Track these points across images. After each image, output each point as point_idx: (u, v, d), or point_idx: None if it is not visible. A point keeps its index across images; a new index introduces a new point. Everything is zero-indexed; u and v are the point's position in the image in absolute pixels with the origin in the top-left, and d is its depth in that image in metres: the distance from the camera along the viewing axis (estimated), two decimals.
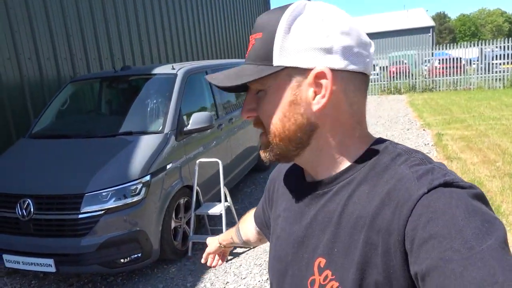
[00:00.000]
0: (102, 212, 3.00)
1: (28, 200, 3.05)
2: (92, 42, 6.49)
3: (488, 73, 16.16)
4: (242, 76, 0.66)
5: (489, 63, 16.24)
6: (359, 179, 0.65)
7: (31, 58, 5.34)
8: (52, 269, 3.01)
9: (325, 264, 0.64)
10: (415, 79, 17.07)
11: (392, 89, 17.14)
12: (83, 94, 4.27)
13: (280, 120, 0.66)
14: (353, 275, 0.59)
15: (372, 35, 35.01)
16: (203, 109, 4.37)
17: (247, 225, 1.14)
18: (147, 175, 3.20)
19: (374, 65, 18.09)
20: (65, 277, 3.40)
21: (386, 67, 18.00)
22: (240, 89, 0.70)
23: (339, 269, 0.62)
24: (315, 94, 0.64)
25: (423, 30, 34.64)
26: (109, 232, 3.01)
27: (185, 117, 3.87)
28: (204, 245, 3.76)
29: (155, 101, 3.87)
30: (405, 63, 17.68)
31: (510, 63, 15.89)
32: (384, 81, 17.53)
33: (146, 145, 3.37)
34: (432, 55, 17.75)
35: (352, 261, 0.60)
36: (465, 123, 8.84)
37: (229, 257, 3.56)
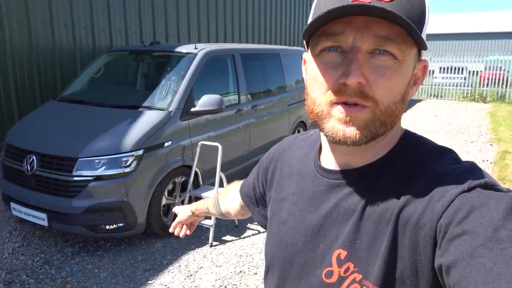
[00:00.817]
0: (91, 178, 3.14)
1: (33, 156, 3.30)
2: (138, 17, 6.73)
3: None
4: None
5: None
6: (388, 172, 0.62)
7: (86, 27, 5.73)
8: (45, 223, 3.25)
9: (345, 256, 0.62)
10: (506, 87, 15.21)
11: (476, 96, 15.48)
12: (112, 65, 4.49)
13: (402, 100, 0.60)
14: (378, 268, 0.58)
15: (464, 35, 31.81)
16: (222, 92, 4.32)
17: (230, 198, 1.09)
18: (140, 149, 3.27)
19: (462, 68, 16.54)
20: (63, 234, 3.65)
21: (478, 71, 16.26)
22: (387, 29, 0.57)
23: (363, 261, 0.60)
24: (413, 83, 0.63)
25: None
26: (95, 198, 3.15)
27: (197, 99, 3.87)
28: (197, 226, 3.81)
29: (169, 79, 3.92)
30: (503, 70, 15.82)
31: None
32: (469, 86, 15.89)
33: (146, 120, 3.44)
34: None
35: (377, 254, 0.58)
36: None
37: (215, 243, 3.54)
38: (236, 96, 4.50)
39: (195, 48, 4.10)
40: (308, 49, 0.65)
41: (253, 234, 3.74)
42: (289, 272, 0.70)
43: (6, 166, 3.56)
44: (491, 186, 0.55)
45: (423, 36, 0.58)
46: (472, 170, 0.58)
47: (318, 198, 0.69)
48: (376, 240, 0.59)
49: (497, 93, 15.27)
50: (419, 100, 15.21)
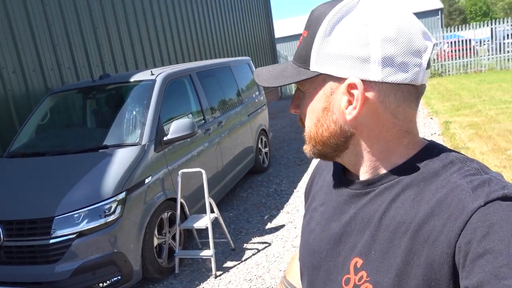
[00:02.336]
0: (74, 235, 2.81)
1: None
2: (69, 51, 6.31)
3: (500, 54, 15.55)
4: (281, 77, 0.67)
5: (500, 43, 15.65)
6: (405, 182, 0.62)
7: (15, 71, 5.19)
8: None
9: (361, 265, 0.63)
10: None
11: None
12: (59, 107, 4.09)
13: (314, 125, 0.67)
14: (390, 280, 0.58)
15: None
16: (187, 115, 4.14)
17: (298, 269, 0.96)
18: (122, 192, 2.99)
19: None
20: None
21: None
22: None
23: (374, 272, 0.61)
24: (349, 103, 0.62)
25: (432, 13, 33.67)
26: (83, 257, 2.82)
27: (166, 126, 3.66)
28: (193, 260, 3.58)
29: (132, 111, 3.65)
30: None
31: None
32: None
33: (121, 159, 3.16)
34: (443, 38, 17.18)
35: (389, 266, 0.58)
36: (474, 108, 8.43)
37: (218, 273, 3.35)
38: (201, 116, 4.34)
39: (152, 74, 3.88)
40: None
41: (253, 254, 3.60)
42: (317, 279, 0.73)
43: None
44: (511, 197, 0.52)
45: (317, 63, 0.63)
46: (491, 181, 0.55)
47: (341, 208, 0.71)
48: (389, 252, 0.59)
49: None
50: None
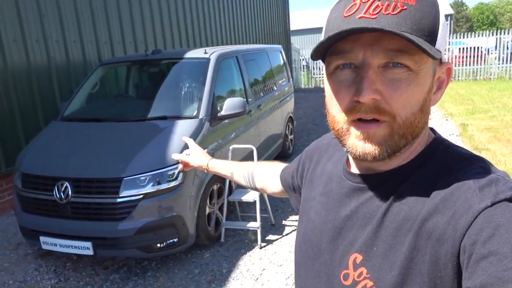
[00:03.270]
0: (141, 196, 2.98)
1: (66, 183, 3.04)
2: (117, 26, 6.43)
3: (509, 63, 15.78)
4: (417, 37, 0.54)
5: (510, 53, 15.86)
6: (410, 179, 0.61)
7: (58, 41, 5.30)
8: (90, 252, 3.01)
9: (361, 261, 0.62)
10: None
11: None
12: (112, 77, 4.24)
13: (421, 110, 0.59)
14: (393, 278, 0.57)
15: None
16: (233, 94, 4.30)
17: (270, 178, 1.11)
18: None
19: None
20: (100, 260, 3.41)
21: None
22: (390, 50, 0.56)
23: (376, 269, 0.60)
24: (438, 88, 0.62)
25: None
26: (147, 217, 3.00)
27: (217, 103, 3.82)
28: (235, 232, 3.77)
29: (188, 86, 3.81)
30: None
31: None
32: None
33: (182, 130, 3.33)
34: (449, 44, 17.42)
35: (393, 263, 0.58)
36: (489, 113, 8.65)
37: (263, 244, 3.54)
38: (245, 96, 4.50)
39: (205, 52, 4.03)
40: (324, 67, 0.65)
41: (292, 230, 3.80)
42: (312, 269, 0.72)
43: (26, 198, 3.23)
44: None
45: (438, 43, 0.57)
46: (498, 181, 0.54)
47: (341, 200, 0.70)
48: (393, 249, 0.58)
49: None
50: None
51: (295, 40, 27.02)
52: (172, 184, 3.08)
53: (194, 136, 3.33)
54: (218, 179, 3.65)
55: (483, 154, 5.65)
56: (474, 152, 4.80)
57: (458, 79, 16.18)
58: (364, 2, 0.56)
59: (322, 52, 0.60)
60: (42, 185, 3.14)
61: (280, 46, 6.48)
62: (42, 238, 3.13)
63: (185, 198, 3.16)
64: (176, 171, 3.10)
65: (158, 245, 3.09)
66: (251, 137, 4.48)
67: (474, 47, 16.09)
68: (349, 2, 0.58)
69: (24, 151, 3.53)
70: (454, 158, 0.61)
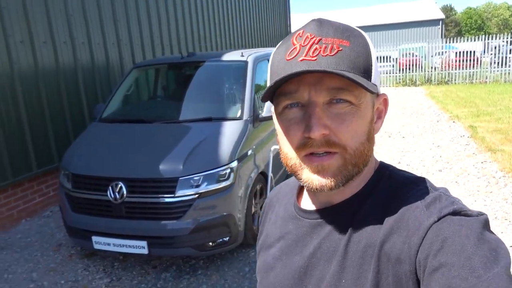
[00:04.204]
0: (196, 196, 3.04)
1: (121, 183, 3.09)
2: (137, 28, 6.48)
3: (504, 67, 16.18)
4: (357, 75, 0.59)
5: (503, 57, 16.27)
6: (364, 207, 0.64)
7: (84, 43, 5.33)
8: (145, 251, 3.06)
9: None
10: (430, 71, 17.09)
11: (408, 81, 17.15)
12: (147, 79, 4.28)
13: (367, 139, 0.63)
14: None
15: (381, 27, 34.85)
16: None
17: None
18: (234, 160, 3.24)
19: (389, 57, 18.23)
20: (147, 260, 3.46)
21: (396, 59, 18.02)
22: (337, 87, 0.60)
23: None
24: (378, 117, 0.68)
25: (432, 22, 34.47)
26: (202, 216, 3.06)
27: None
28: None
29: (229, 88, 3.89)
30: (416, 56, 17.71)
31: None
32: (397, 73, 17.53)
33: (229, 131, 3.40)
34: (442, 48, 17.83)
35: None
36: (494, 116, 8.88)
37: None
38: None
39: (242, 55, 4.11)
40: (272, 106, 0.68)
41: None
42: None
43: (77, 198, 3.27)
44: (460, 212, 0.56)
45: (374, 77, 0.62)
46: (441, 198, 0.59)
47: (302, 240, 0.70)
48: (360, 278, 0.60)
49: (425, 77, 17.08)
50: None
51: None
52: (224, 184, 3.15)
53: (240, 137, 3.41)
54: (261, 179, 3.73)
55: (497, 155, 5.82)
56: (489, 153, 4.97)
57: (455, 82, 16.52)
58: (304, 45, 0.60)
59: (271, 94, 0.63)
60: (96, 186, 3.18)
61: None
62: (94, 238, 3.16)
63: (235, 198, 3.23)
64: (228, 171, 3.18)
65: (210, 243, 3.15)
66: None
67: (469, 51, 16.46)
68: (289, 46, 0.61)
69: (70, 152, 3.56)
70: (400, 182, 0.65)
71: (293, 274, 0.69)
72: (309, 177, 0.62)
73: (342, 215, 0.66)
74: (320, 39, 0.59)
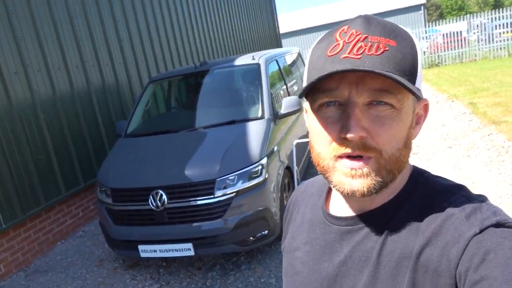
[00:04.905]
0: (233, 194, 3.21)
1: (161, 191, 3.25)
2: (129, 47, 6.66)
3: (491, 43, 16.50)
4: (402, 77, 0.56)
5: (489, 34, 16.61)
6: (398, 215, 0.62)
7: (94, 65, 5.50)
8: (191, 253, 3.22)
9: None
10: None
11: None
12: (164, 92, 4.45)
13: (405, 145, 0.61)
14: None
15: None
16: (281, 93, 4.57)
17: None
18: (264, 157, 3.41)
19: None
20: (191, 262, 3.61)
21: None
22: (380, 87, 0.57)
23: None
24: (416, 123, 0.65)
25: (414, 8, 34.94)
26: (241, 212, 3.22)
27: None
28: None
29: (246, 90, 4.07)
30: None
31: (510, 31, 16.25)
32: None
33: (254, 131, 3.57)
34: (426, 32, 18.22)
35: None
36: (490, 91, 9.12)
37: None
38: (287, 94, 4.77)
39: (253, 58, 4.29)
40: (307, 101, 0.65)
41: None
42: None
43: (119, 211, 3.42)
44: (504, 224, 0.54)
45: (418, 82, 0.59)
46: (482, 208, 0.57)
47: (331, 246, 0.68)
48: None
49: None
50: None
51: (286, 43, 27.48)
52: (258, 180, 3.31)
53: (266, 135, 3.58)
54: (286, 173, 3.90)
55: (502, 127, 6.03)
56: (494, 125, 5.17)
57: (446, 64, 16.82)
58: (348, 42, 0.57)
59: (308, 90, 0.61)
60: (136, 197, 3.33)
61: (298, 48, 6.79)
62: (140, 247, 3.31)
63: (269, 192, 3.39)
64: (260, 168, 3.35)
65: (251, 238, 3.31)
66: (294, 133, 4.74)
67: (456, 32, 16.79)
68: (332, 42, 0.59)
69: (105, 168, 3.71)
70: (436, 190, 0.63)
71: (321, 282, 0.67)
72: (341, 180, 0.60)
73: (375, 223, 0.64)
74: (366, 37, 0.57)
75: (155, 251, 3.29)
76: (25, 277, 3.95)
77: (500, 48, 16.41)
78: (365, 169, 0.58)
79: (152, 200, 3.26)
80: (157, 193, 3.25)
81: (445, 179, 0.66)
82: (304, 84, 0.62)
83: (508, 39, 16.19)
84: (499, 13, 15.96)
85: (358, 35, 0.57)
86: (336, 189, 0.62)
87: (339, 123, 0.59)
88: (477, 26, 16.96)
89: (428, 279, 0.55)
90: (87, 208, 5.16)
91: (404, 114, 0.59)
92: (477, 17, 16.65)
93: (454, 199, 0.60)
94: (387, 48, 0.57)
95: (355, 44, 0.57)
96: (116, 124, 4.46)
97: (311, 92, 0.62)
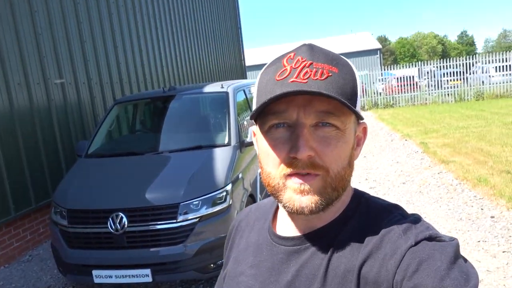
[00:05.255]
0: (197, 220, 3.18)
1: (121, 214, 3.16)
2: (104, 67, 6.59)
3: (439, 89, 17.83)
4: (346, 100, 0.60)
5: (438, 81, 17.98)
6: (343, 233, 0.66)
7: (71, 83, 5.36)
8: (149, 279, 3.11)
9: None
10: (376, 96, 18.40)
11: None
12: (130, 114, 4.41)
13: (349, 164, 0.65)
14: None
15: None
16: (245, 123, 4.66)
17: None
18: (229, 183, 3.43)
19: None
20: (154, 286, 3.48)
21: None
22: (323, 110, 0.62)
23: None
24: (357, 145, 0.70)
25: (371, 52, 37.23)
26: (203, 239, 3.19)
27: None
28: None
29: (214, 117, 4.12)
30: (362, 83, 19.07)
31: (457, 79, 17.70)
32: None
33: (220, 157, 3.61)
34: (382, 75, 19.50)
35: None
36: (440, 132, 9.78)
37: None
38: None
39: (222, 87, 4.39)
40: (256, 125, 0.69)
41: None
42: None
43: (74, 233, 3.27)
44: (435, 238, 0.59)
45: (358, 106, 0.64)
46: (416, 224, 0.62)
47: (278, 267, 0.69)
48: None
49: (372, 102, 18.34)
50: None
51: (250, 75, 28.22)
52: (222, 206, 3.32)
53: (231, 161, 3.62)
54: (250, 201, 3.93)
55: (451, 166, 6.46)
56: (443, 164, 5.55)
57: (399, 105, 17.89)
58: (295, 68, 0.61)
59: (258, 112, 0.64)
60: (94, 219, 3.21)
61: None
62: (94, 272, 3.16)
63: (232, 219, 3.39)
64: (224, 194, 3.36)
65: (212, 265, 3.27)
66: (256, 162, 4.83)
67: (408, 77, 18.03)
68: (280, 68, 0.63)
69: (62, 188, 3.56)
70: (377, 209, 0.68)
71: None
72: (291, 197, 0.63)
73: (321, 241, 0.66)
74: (311, 63, 0.61)
75: (110, 276, 3.15)
76: None
77: (448, 94, 17.75)
78: (314, 185, 0.62)
79: (112, 223, 3.15)
80: (117, 216, 3.16)
81: (383, 199, 0.72)
82: (254, 106, 0.66)
83: (455, 86, 17.57)
84: (446, 62, 17.39)
85: (303, 61, 0.62)
86: (286, 206, 0.64)
87: (288, 144, 0.62)
88: (427, 72, 18.38)
89: None
90: (37, 231, 4.88)
91: (347, 135, 0.64)
92: (427, 65, 18.06)
93: (393, 217, 0.65)
94: (330, 74, 0.61)
95: (301, 70, 0.61)
96: (77, 144, 4.33)
97: (261, 115, 0.65)
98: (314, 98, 0.61)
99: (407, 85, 17.97)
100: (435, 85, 17.92)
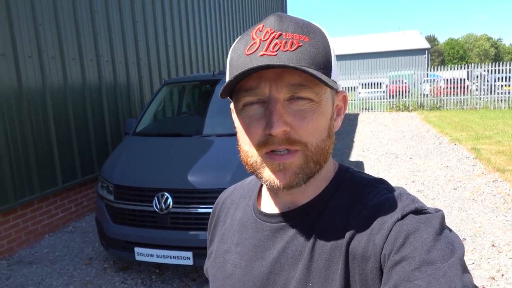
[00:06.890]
0: None
1: (167, 194, 3.12)
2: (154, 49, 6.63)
3: (492, 94, 16.82)
4: (317, 70, 0.58)
5: (492, 85, 16.97)
6: (328, 209, 0.64)
7: (108, 61, 5.43)
8: (190, 262, 3.07)
9: None
10: (422, 97, 17.64)
11: (401, 107, 17.63)
12: (177, 95, 4.38)
13: (328, 136, 0.63)
14: None
15: (370, 55, 35.95)
16: None
17: None
18: None
19: (381, 83, 18.82)
20: (186, 272, 3.45)
21: (387, 85, 18.61)
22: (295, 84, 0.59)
23: None
24: (337, 114, 0.68)
25: (419, 51, 35.78)
26: None
27: None
28: None
29: None
30: (405, 83, 18.32)
31: (510, 85, 16.61)
32: (388, 99, 18.03)
33: None
34: (427, 76, 18.59)
35: None
36: (493, 139, 9.18)
37: None
38: None
39: None
40: (232, 102, 0.66)
41: None
42: None
43: (119, 209, 3.28)
44: (421, 211, 0.58)
45: (333, 74, 0.61)
46: (402, 198, 0.61)
47: (264, 244, 0.68)
48: (328, 280, 0.59)
49: (417, 103, 17.61)
50: (356, 114, 16.76)
51: None
52: None
53: None
54: None
55: (507, 175, 6.02)
56: (497, 173, 5.14)
57: (447, 108, 17.06)
58: (264, 40, 0.58)
59: (229, 90, 0.61)
60: (140, 197, 3.20)
61: None
62: (137, 249, 3.16)
63: None
64: None
65: None
66: None
67: (459, 79, 17.11)
68: (249, 41, 0.60)
69: (110, 163, 3.58)
70: (362, 184, 0.66)
71: (254, 282, 0.66)
72: (270, 175, 0.61)
73: (306, 218, 0.65)
74: (280, 34, 0.58)
75: (151, 255, 3.14)
76: (7, 266, 3.75)
77: (501, 100, 16.73)
78: (294, 162, 0.60)
79: (157, 202, 3.13)
80: (162, 195, 3.13)
81: (367, 174, 0.69)
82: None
83: (509, 92, 16.51)
84: (499, 66, 16.33)
85: (272, 32, 0.58)
86: (267, 184, 0.62)
87: (263, 120, 0.59)
88: (477, 76, 17.36)
89: (357, 265, 0.57)
90: (81, 204, 4.99)
91: (323, 106, 0.61)
92: (477, 68, 17.04)
93: (378, 191, 0.63)
94: (300, 44, 0.58)
95: (270, 41, 0.58)
96: (125, 122, 4.36)
97: (235, 92, 0.62)
98: (284, 71, 0.58)
99: (457, 87, 17.09)
100: (487, 90, 16.94)
